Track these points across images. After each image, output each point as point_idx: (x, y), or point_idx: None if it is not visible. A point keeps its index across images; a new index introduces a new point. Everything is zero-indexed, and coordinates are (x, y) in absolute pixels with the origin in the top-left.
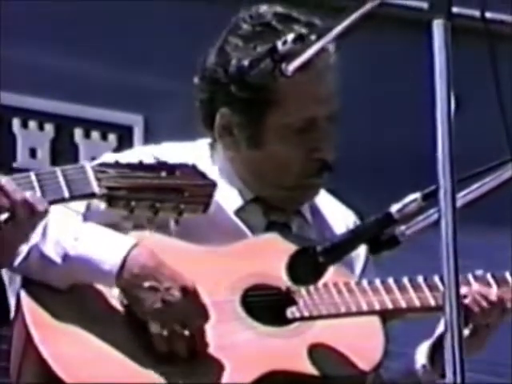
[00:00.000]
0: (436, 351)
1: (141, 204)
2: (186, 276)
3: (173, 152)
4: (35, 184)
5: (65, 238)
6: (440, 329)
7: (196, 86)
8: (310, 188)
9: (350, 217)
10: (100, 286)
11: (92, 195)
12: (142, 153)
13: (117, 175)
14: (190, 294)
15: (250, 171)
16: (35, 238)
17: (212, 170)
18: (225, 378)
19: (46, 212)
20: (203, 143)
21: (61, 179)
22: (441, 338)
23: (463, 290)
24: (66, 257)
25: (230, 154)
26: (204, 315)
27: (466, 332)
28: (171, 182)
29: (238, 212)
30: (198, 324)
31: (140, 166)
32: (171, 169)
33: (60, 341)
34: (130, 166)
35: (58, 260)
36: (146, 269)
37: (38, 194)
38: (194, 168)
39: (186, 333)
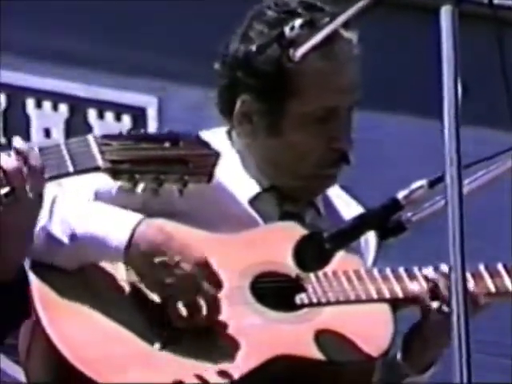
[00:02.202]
0: (411, 342)
1: (145, 176)
2: (195, 246)
3: None
4: None
5: (72, 218)
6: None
7: (217, 71)
8: (326, 178)
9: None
10: (109, 268)
11: (96, 169)
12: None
13: (120, 148)
14: (200, 264)
15: (267, 159)
16: (42, 220)
17: (232, 157)
18: (238, 358)
19: (42, 181)
20: (220, 131)
21: (65, 153)
22: (416, 326)
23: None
24: (73, 236)
25: (247, 142)
26: (217, 283)
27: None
28: (175, 153)
29: (252, 201)
30: (211, 293)
31: (144, 137)
32: (175, 139)
33: (68, 322)
34: (133, 137)
35: (66, 240)
36: (154, 244)
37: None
38: (197, 138)
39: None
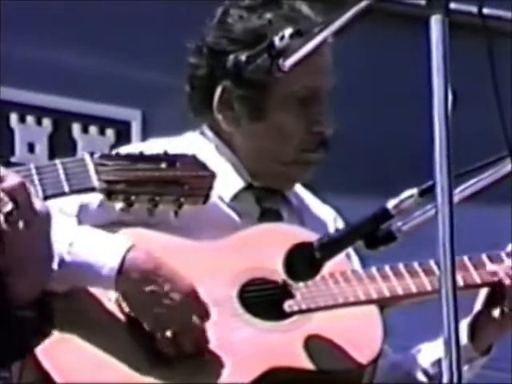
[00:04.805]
0: (475, 328)
1: (140, 198)
2: (184, 275)
3: (160, 147)
4: (35, 177)
5: (60, 244)
6: (477, 307)
7: (192, 64)
8: (306, 164)
9: (330, 212)
10: (96, 291)
11: (92, 189)
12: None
13: (117, 168)
14: (189, 294)
15: (250, 146)
16: None
17: (210, 155)
18: (225, 377)
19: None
20: (192, 135)
21: (61, 172)
22: (478, 315)
23: (493, 267)
24: (62, 263)
25: (229, 130)
26: (205, 314)
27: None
28: (171, 174)
29: (232, 200)
30: (199, 323)
31: (140, 158)
32: (172, 160)
33: (58, 349)
34: (130, 157)
35: (54, 266)
36: (144, 272)
37: (38, 187)
38: (194, 158)
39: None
